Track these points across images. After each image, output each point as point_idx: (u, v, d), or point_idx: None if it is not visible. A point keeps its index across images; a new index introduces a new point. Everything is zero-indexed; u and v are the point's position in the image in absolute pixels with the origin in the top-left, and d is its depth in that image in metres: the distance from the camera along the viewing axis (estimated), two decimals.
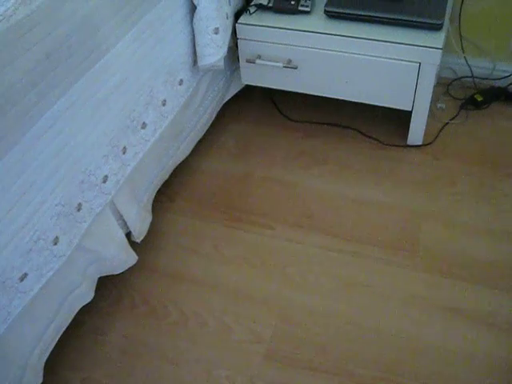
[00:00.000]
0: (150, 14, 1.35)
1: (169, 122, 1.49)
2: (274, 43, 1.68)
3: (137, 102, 1.35)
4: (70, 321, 1.28)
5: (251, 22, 1.67)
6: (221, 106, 1.85)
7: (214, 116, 1.81)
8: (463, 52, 1.90)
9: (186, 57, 1.51)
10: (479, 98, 1.88)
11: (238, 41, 1.71)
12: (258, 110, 1.98)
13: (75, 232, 1.20)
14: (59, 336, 1.26)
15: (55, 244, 1.14)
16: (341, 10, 1.62)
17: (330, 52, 1.63)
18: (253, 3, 1.73)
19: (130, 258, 1.42)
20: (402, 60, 1.58)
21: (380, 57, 1.60)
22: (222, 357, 1.35)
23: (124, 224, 1.42)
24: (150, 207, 1.54)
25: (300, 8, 1.66)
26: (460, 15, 1.81)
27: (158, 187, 1.59)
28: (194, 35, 1.51)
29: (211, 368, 1.33)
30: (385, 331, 1.36)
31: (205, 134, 1.79)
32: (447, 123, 1.85)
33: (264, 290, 1.46)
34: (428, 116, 1.70)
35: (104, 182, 1.26)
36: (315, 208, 1.65)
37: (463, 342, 1.33)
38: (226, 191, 1.72)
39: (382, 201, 1.65)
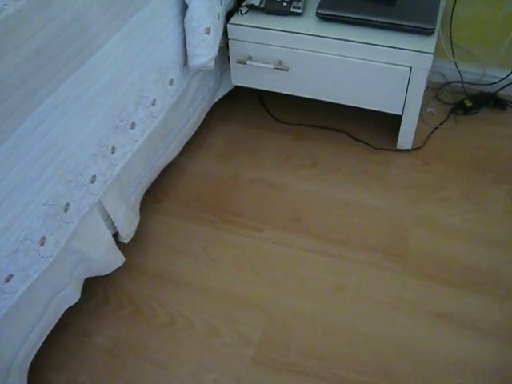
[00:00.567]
0: (141, 13, 1.33)
1: (158, 122, 1.47)
2: (265, 44, 1.67)
3: (126, 102, 1.33)
4: (55, 322, 1.27)
5: (242, 23, 1.66)
6: (210, 106, 1.84)
7: (203, 117, 1.80)
8: (453, 57, 1.91)
9: (176, 56, 1.50)
10: (469, 104, 1.89)
11: (229, 41, 1.70)
12: (247, 112, 1.97)
13: (62, 232, 1.18)
14: (44, 338, 1.24)
15: (42, 245, 1.12)
16: (333, 13, 1.61)
17: (321, 54, 1.63)
18: (244, 4, 1.72)
19: (117, 259, 1.41)
20: (393, 64, 1.58)
21: (371, 60, 1.59)
22: (209, 360, 1.33)
23: (111, 225, 1.40)
24: (137, 208, 1.53)
25: (292, 10, 1.65)
26: (451, 20, 1.82)
27: (146, 188, 1.57)
28: (185, 35, 1.50)
29: (198, 371, 1.31)
30: (373, 335, 1.36)
31: (194, 135, 1.78)
32: (436, 128, 1.86)
33: (252, 293, 1.45)
34: (418, 120, 1.70)
35: (92, 182, 1.25)
36: (304, 211, 1.64)
37: (450, 347, 1.33)
38: (214, 193, 1.71)
39: (370, 204, 1.65)
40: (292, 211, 1.64)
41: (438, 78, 1.99)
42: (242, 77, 1.78)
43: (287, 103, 1.97)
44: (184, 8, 1.47)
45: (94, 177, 1.25)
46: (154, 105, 1.44)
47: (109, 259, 1.37)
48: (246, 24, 1.66)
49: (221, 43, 1.63)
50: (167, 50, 1.46)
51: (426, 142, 1.81)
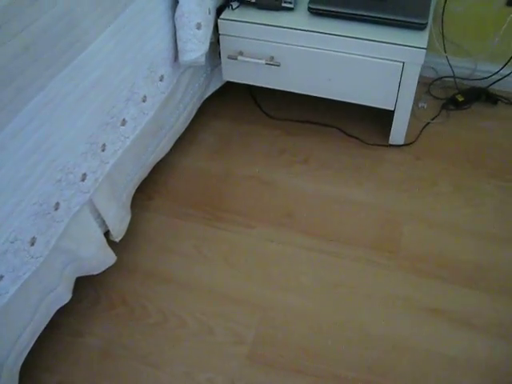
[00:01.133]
0: (131, 7, 1.31)
1: (149, 119, 1.46)
2: (256, 40, 1.65)
3: (117, 98, 1.31)
4: (46, 323, 1.25)
5: (233, 18, 1.65)
6: (201, 102, 1.82)
7: (194, 113, 1.78)
8: (445, 52, 1.90)
9: (167, 52, 1.48)
10: (460, 99, 1.89)
11: (220, 37, 1.68)
12: (238, 107, 1.95)
13: (53, 232, 1.16)
14: (35, 339, 1.22)
15: (32, 245, 1.10)
16: (324, 8, 1.60)
17: (313, 50, 1.61)
18: None
19: (108, 257, 1.39)
20: (385, 59, 1.57)
21: (363, 55, 1.58)
22: (202, 359, 1.32)
23: (102, 223, 1.38)
24: (128, 206, 1.51)
25: (283, 4, 1.64)
26: (443, 15, 1.81)
27: (137, 185, 1.55)
28: (175, 30, 1.48)
29: (192, 370, 1.30)
30: (367, 332, 1.35)
31: (184, 131, 1.76)
32: (428, 123, 1.85)
33: (245, 291, 1.44)
34: (410, 116, 1.69)
35: (82, 180, 1.23)
36: (296, 207, 1.63)
37: (445, 343, 1.33)
38: (205, 189, 1.69)
39: (363, 200, 1.64)
40: (284, 207, 1.63)
41: (430, 72, 1.98)
42: (233, 72, 1.76)
43: (279, 99, 1.95)
44: (174, 3, 1.45)
45: (85, 175, 1.23)
46: (144, 101, 1.42)
47: (100, 258, 1.36)
48: (237, 19, 1.64)
49: (212, 39, 1.61)
50: (157, 46, 1.44)
51: (418, 137, 1.81)
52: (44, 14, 1.05)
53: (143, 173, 1.56)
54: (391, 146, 1.79)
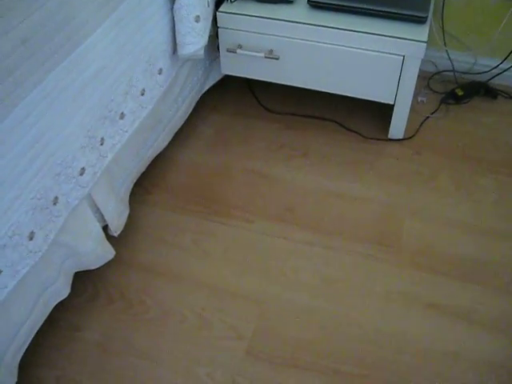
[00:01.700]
0: (129, 1, 1.30)
1: (147, 113, 1.45)
2: (255, 33, 1.64)
3: (115, 92, 1.30)
4: (45, 318, 1.24)
5: (232, 11, 1.63)
6: (200, 96, 1.81)
7: (192, 106, 1.77)
8: (445, 45, 1.89)
9: (165, 45, 1.47)
10: (460, 93, 1.88)
11: (219, 30, 1.67)
12: (237, 101, 1.94)
13: (51, 226, 1.15)
14: (34, 334, 1.22)
15: (31, 239, 1.09)
16: (324, 0, 1.59)
17: (312, 43, 1.60)
18: None
19: (107, 252, 1.38)
20: (385, 53, 1.56)
21: (363, 49, 1.57)
22: (202, 353, 1.32)
23: (101, 217, 1.38)
24: (127, 200, 1.50)
25: None
26: (443, 9, 1.80)
27: (136, 179, 1.54)
28: (174, 23, 1.47)
29: (191, 365, 1.30)
30: (367, 327, 1.35)
31: (183, 125, 1.75)
32: (428, 117, 1.84)
33: (244, 285, 1.44)
34: (409, 110, 1.69)
35: (81, 174, 1.22)
36: (295, 201, 1.62)
37: (446, 338, 1.33)
38: (204, 183, 1.68)
39: (362, 195, 1.63)
40: (283, 202, 1.62)
41: (429, 66, 1.97)
42: (231, 66, 1.75)
43: (277, 92, 1.94)
44: None
45: (83, 169, 1.22)
46: (143, 94, 1.41)
47: (99, 253, 1.35)
48: (236, 12, 1.63)
49: (210, 32, 1.59)
50: (156, 39, 1.43)
51: (417, 131, 1.80)
52: (41, 7, 1.04)
53: (142, 167, 1.55)
54: (390, 140, 1.78)
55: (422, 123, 1.82)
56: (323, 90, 1.72)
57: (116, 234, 1.44)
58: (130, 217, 1.51)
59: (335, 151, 1.76)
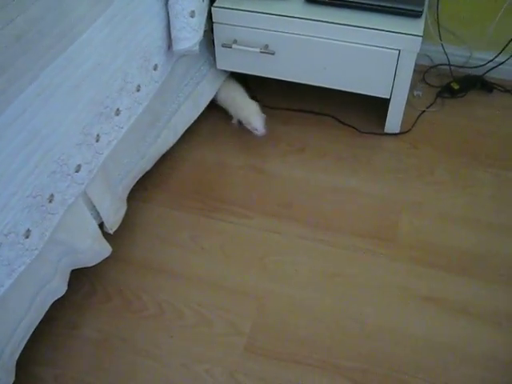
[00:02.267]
0: None
1: (144, 109, 1.44)
2: (250, 28, 1.63)
3: (110, 88, 1.29)
4: (42, 316, 1.23)
5: (227, 6, 1.63)
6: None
7: (201, 104, 1.76)
8: (440, 39, 1.89)
9: (160, 41, 1.46)
10: (455, 87, 1.88)
11: (214, 25, 1.66)
12: None
13: (47, 224, 1.14)
14: (31, 332, 1.21)
15: (27, 237, 1.08)
16: None
17: (308, 37, 1.60)
18: None
19: (103, 249, 1.38)
20: (381, 47, 1.55)
21: (359, 43, 1.57)
22: (200, 350, 1.31)
23: (97, 215, 1.37)
24: (125, 197, 1.49)
25: None
26: (438, 3, 1.79)
27: (138, 177, 1.54)
28: (168, 18, 1.46)
29: (190, 362, 1.30)
30: (365, 322, 1.35)
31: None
32: (424, 111, 1.84)
33: (242, 281, 1.43)
34: (405, 104, 1.68)
35: (77, 171, 1.21)
36: (293, 196, 1.62)
37: (444, 332, 1.33)
38: (201, 180, 1.68)
39: (359, 189, 1.63)
40: (281, 197, 1.62)
41: (425, 60, 1.97)
42: (227, 61, 1.75)
43: (274, 88, 1.93)
44: None
45: (79, 166, 1.22)
46: (138, 90, 1.40)
47: (95, 250, 1.34)
48: (231, 7, 1.62)
49: (206, 27, 1.59)
50: (151, 34, 1.42)
51: (413, 125, 1.80)
52: (35, 3, 1.04)
53: (145, 165, 1.54)
54: (387, 134, 1.78)
55: (418, 117, 1.82)
56: (319, 84, 1.71)
57: (111, 231, 1.43)
58: (127, 214, 1.50)
59: (332, 146, 1.75)
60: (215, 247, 1.51)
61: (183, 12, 1.44)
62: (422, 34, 1.51)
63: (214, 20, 1.65)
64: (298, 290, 1.41)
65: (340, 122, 1.82)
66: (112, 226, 1.43)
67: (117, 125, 1.34)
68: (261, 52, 1.65)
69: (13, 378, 1.16)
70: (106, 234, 1.39)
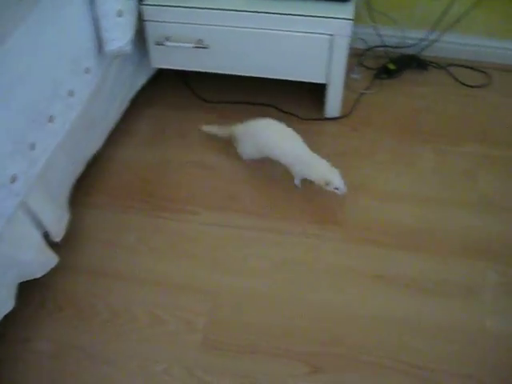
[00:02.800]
0: (43, 2, 1.26)
1: (78, 113, 1.41)
2: (182, 23, 1.62)
3: (42, 94, 1.27)
4: None
5: (157, 3, 1.61)
6: (134, 92, 1.78)
7: (126, 103, 1.73)
8: (373, 22, 1.91)
9: (90, 43, 1.44)
10: (392, 67, 1.91)
11: (145, 23, 1.65)
12: (171, 94, 1.92)
13: None
14: None
15: None
16: None
17: (240, 29, 1.60)
18: None
19: (49, 259, 1.35)
20: (313, 33, 1.57)
21: (292, 31, 1.58)
22: (156, 350, 1.30)
23: (40, 224, 1.34)
24: (66, 204, 1.47)
25: None
26: None
27: (72, 182, 1.51)
28: (96, 20, 1.44)
29: (146, 363, 1.28)
30: (321, 305, 1.36)
31: (119, 123, 1.72)
32: (362, 93, 1.87)
33: (194, 278, 1.43)
34: (343, 88, 1.70)
35: (12, 182, 1.18)
36: (238, 189, 1.62)
37: (394, 307, 1.35)
38: (145, 180, 1.66)
39: None
40: (226, 191, 1.62)
41: (360, 43, 1.99)
42: (161, 59, 1.73)
43: (213, 82, 1.93)
44: None
45: (15, 176, 1.19)
46: (71, 95, 1.38)
47: (41, 261, 1.32)
48: (161, 3, 1.61)
49: (137, 26, 1.57)
50: (79, 37, 1.40)
51: (353, 108, 1.82)
52: None
53: (77, 169, 1.52)
54: (328, 119, 1.79)
55: (357, 100, 1.84)
56: (255, 75, 1.72)
57: (58, 240, 1.40)
58: (71, 221, 1.48)
59: None
60: (164, 246, 1.50)
61: (111, 12, 1.42)
62: (352, 17, 1.53)
63: (144, 18, 1.63)
64: (249, 281, 1.41)
65: (281, 110, 1.83)
66: (57, 234, 1.41)
67: (51, 131, 1.31)
68: (194, 47, 1.64)
69: None
70: (51, 244, 1.37)
